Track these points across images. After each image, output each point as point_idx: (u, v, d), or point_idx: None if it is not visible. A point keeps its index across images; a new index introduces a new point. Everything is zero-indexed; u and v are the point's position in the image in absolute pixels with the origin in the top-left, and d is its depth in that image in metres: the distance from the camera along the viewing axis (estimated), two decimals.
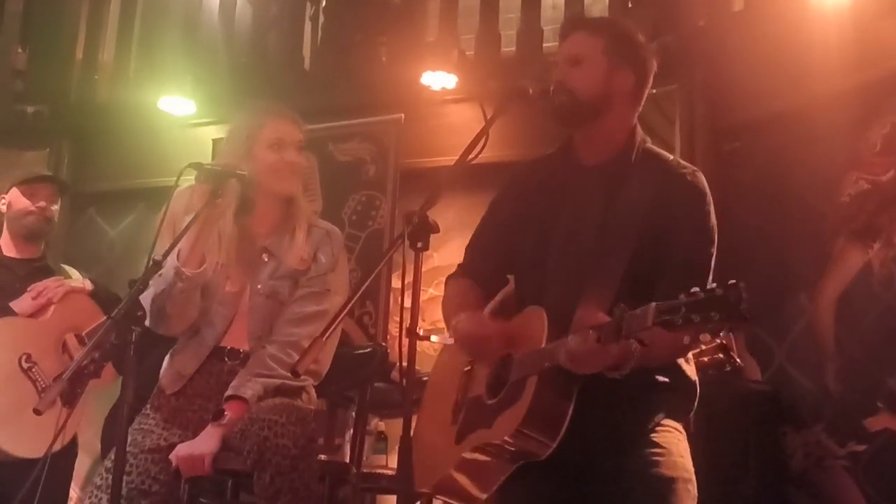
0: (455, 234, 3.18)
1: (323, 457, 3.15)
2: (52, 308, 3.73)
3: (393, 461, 4.40)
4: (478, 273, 2.53)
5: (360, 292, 2.45)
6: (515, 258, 2.48)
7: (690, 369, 2.35)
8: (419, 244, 2.10)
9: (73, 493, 4.24)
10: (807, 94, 4.28)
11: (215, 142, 5.45)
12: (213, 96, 5.74)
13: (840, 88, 4.14)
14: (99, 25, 6.29)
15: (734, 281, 1.84)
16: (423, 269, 2.11)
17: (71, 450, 3.77)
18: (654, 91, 2.46)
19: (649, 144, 2.43)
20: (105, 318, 3.59)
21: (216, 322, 2.95)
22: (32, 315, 3.72)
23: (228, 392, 2.85)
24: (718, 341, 3.67)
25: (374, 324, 4.92)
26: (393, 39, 5.69)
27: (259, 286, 2.97)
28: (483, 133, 2.25)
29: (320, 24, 6.12)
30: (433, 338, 2.14)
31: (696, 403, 2.36)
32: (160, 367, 3.02)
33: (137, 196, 5.92)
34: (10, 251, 3.92)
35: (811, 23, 4.26)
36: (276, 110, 3.06)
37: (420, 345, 2.06)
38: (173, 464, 2.80)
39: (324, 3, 6.13)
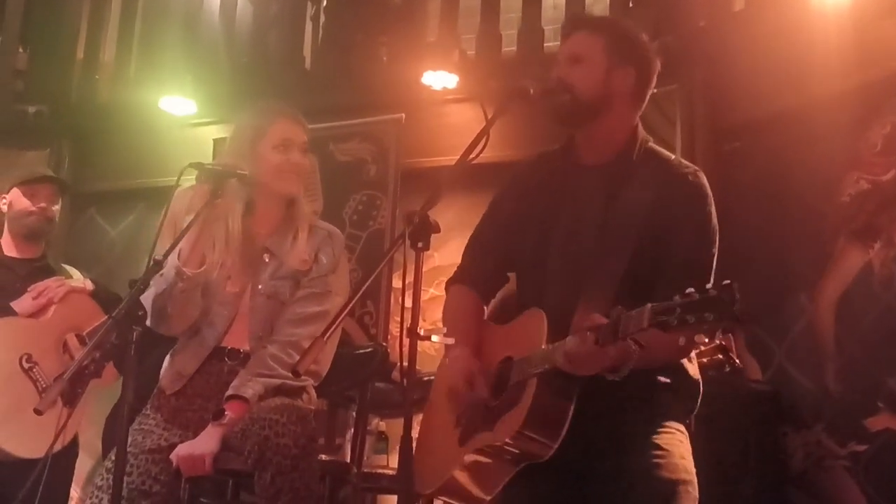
0: (456, 234, 3.18)
1: (323, 457, 3.15)
2: (52, 308, 3.73)
3: (393, 461, 4.40)
4: (477, 274, 2.53)
5: (361, 292, 2.46)
6: (516, 258, 2.48)
7: (693, 368, 2.35)
8: (420, 244, 2.10)
9: (74, 493, 4.25)
10: (807, 93, 4.28)
11: (216, 142, 5.46)
12: (214, 96, 5.74)
13: (840, 88, 4.14)
14: (100, 25, 6.29)
15: (728, 281, 1.84)
16: (423, 269, 2.10)
17: (72, 450, 3.78)
18: (655, 91, 2.45)
19: (651, 144, 2.43)
20: (106, 317, 3.58)
21: (217, 322, 2.95)
22: (33, 315, 3.72)
23: (229, 392, 2.85)
24: (717, 342, 3.67)
25: (375, 324, 4.93)
26: (394, 39, 5.69)
27: (260, 286, 2.98)
28: (484, 133, 2.25)
29: (321, 24, 6.13)
30: (434, 338, 2.13)
31: (698, 403, 2.36)
32: (161, 368, 3.02)
33: (138, 196, 5.92)
34: (10, 251, 3.93)
35: (811, 23, 4.26)
36: (282, 111, 3.06)
37: (421, 345, 2.05)
38: (174, 464, 2.80)
39: (325, 3, 6.13)
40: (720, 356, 3.78)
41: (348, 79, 5.56)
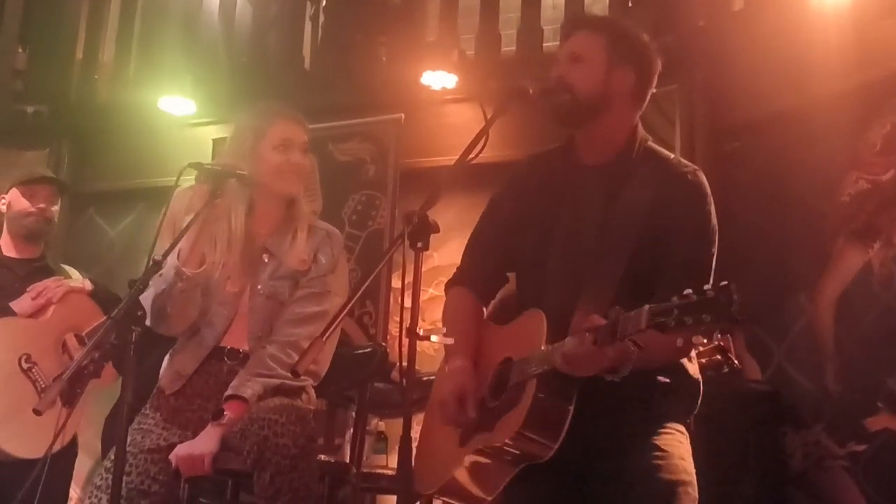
0: (455, 234, 3.18)
1: (323, 457, 3.15)
2: (51, 308, 3.73)
3: (393, 461, 4.40)
4: (477, 275, 2.52)
5: (360, 292, 2.45)
6: (515, 258, 2.48)
7: (693, 368, 2.35)
8: (419, 244, 2.10)
9: (74, 493, 4.24)
10: (807, 93, 4.28)
11: (215, 142, 5.46)
12: (213, 96, 5.74)
13: (840, 88, 4.14)
14: (99, 25, 6.29)
15: (725, 283, 1.83)
16: (423, 269, 2.10)
17: (71, 450, 3.77)
18: (654, 91, 2.45)
19: (650, 143, 2.43)
20: (105, 318, 3.59)
21: (216, 322, 2.95)
22: (32, 315, 3.72)
23: (228, 392, 2.85)
24: (716, 343, 3.67)
25: (374, 324, 4.93)
26: (393, 39, 5.69)
27: (259, 286, 2.97)
28: (483, 133, 2.25)
29: (320, 24, 6.13)
30: (433, 338, 2.13)
31: (699, 402, 2.36)
32: (160, 367, 3.02)
33: (137, 196, 5.92)
34: (9, 251, 3.92)
35: (811, 23, 4.26)
36: (282, 111, 3.06)
37: (420, 345, 2.05)
38: (173, 464, 2.80)
39: (324, 3, 6.13)
40: (718, 357, 3.78)
41: (347, 79, 5.56)
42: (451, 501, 2.44)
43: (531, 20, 5.36)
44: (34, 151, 5.99)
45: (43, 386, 3.59)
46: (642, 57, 2.39)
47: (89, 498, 2.79)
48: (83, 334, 3.71)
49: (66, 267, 4.06)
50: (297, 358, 2.41)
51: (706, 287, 1.84)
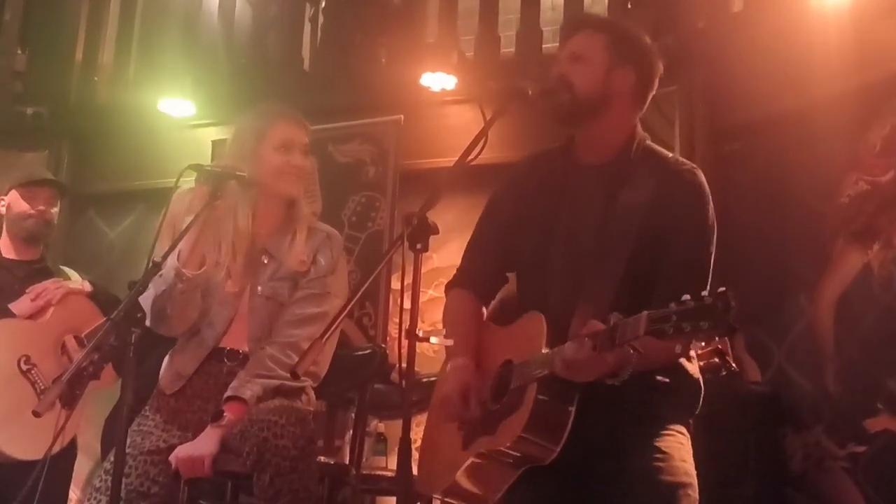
0: (454, 236, 3.18)
1: (322, 458, 3.15)
2: (51, 310, 3.72)
3: (392, 463, 4.39)
4: (477, 276, 2.53)
5: (360, 294, 2.46)
6: (516, 259, 2.48)
7: (693, 368, 2.35)
8: (419, 245, 2.10)
9: (73, 494, 4.24)
10: (806, 95, 4.28)
11: (215, 143, 5.45)
12: (213, 98, 5.74)
13: (840, 90, 4.14)
14: (99, 27, 6.28)
15: (723, 289, 1.83)
16: (422, 271, 2.11)
17: (70, 451, 3.77)
18: (654, 92, 2.45)
19: (649, 142, 2.43)
20: (104, 319, 3.59)
21: (216, 322, 2.95)
22: (31, 317, 3.72)
23: (228, 393, 2.85)
24: (713, 346, 3.67)
25: (374, 325, 4.92)
26: (392, 40, 5.68)
27: (259, 287, 2.97)
28: (482, 134, 2.25)
29: (320, 25, 6.12)
30: (433, 339, 2.14)
31: (700, 402, 2.35)
32: (160, 369, 3.02)
33: (137, 197, 5.91)
34: (9, 253, 3.92)
35: (811, 24, 4.25)
36: (283, 112, 3.06)
37: (419, 346, 2.06)
38: (173, 465, 2.80)
39: (323, 4, 6.13)
40: (716, 360, 3.78)
41: (347, 80, 5.55)
42: (454, 503, 2.44)
43: (530, 22, 5.35)
44: (34, 153, 5.99)
45: (42, 387, 3.59)
46: (643, 57, 2.39)
47: (89, 500, 2.79)
48: (82, 336, 3.71)
49: (66, 268, 4.06)
50: (296, 359, 2.41)
51: (704, 294, 1.84)
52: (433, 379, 2.61)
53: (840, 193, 4.20)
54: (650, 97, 2.43)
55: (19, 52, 6.35)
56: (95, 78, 6.22)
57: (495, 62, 5.37)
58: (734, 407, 3.94)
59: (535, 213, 2.44)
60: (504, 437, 2.21)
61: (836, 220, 4.20)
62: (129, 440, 2.71)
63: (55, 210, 3.98)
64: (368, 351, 3.61)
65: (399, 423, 2.18)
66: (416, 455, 2.22)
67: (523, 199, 2.48)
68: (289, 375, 2.80)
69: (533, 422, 2.15)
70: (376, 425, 4.58)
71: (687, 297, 1.85)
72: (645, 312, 1.91)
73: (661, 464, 2.22)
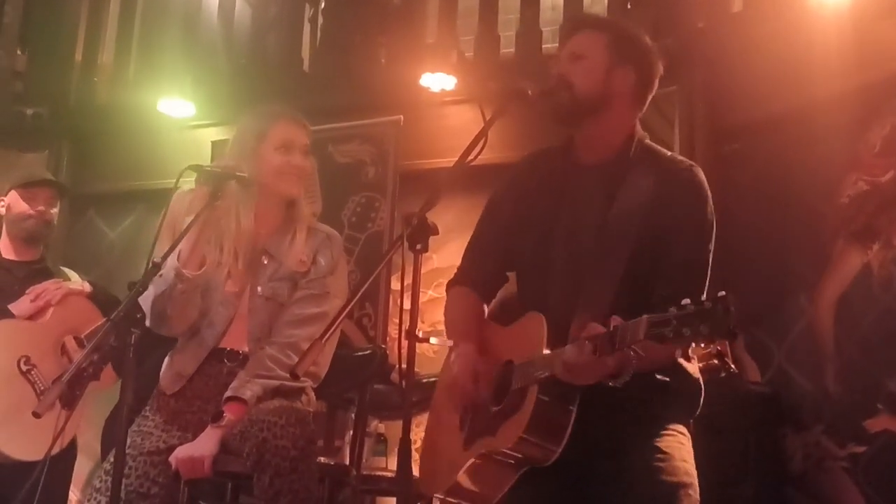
0: (454, 236, 3.18)
1: (322, 459, 3.14)
2: (50, 310, 3.72)
3: (392, 463, 4.39)
4: (478, 276, 2.53)
5: (360, 294, 2.46)
6: (516, 259, 2.48)
7: (693, 368, 2.35)
8: (418, 246, 2.10)
9: (73, 495, 4.24)
10: (806, 95, 4.28)
11: (215, 144, 5.45)
12: (213, 98, 5.74)
13: (840, 90, 4.13)
14: (98, 27, 6.28)
15: (723, 293, 1.84)
16: (422, 271, 2.11)
17: (70, 452, 3.77)
18: (654, 92, 2.45)
19: (647, 141, 2.43)
20: (104, 320, 3.59)
21: (216, 322, 2.95)
22: (31, 317, 3.72)
23: (228, 393, 2.85)
24: (713, 348, 3.68)
25: (374, 325, 4.92)
26: (392, 41, 5.68)
27: (259, 288, 2.97)
28: (482, 134, 2.25)
29: (319, 26, 6.12)
30: (432, 340, 2.14)
31: (700, 402, 2.35)
32: (160, 370, 3.02)
33: (137, 198, 5.91)
34: (8, 254, 3.92)
35: (811, 24, 4.25)
36: (284, 113, 3.07)
37: (419, 346, 2.06)
38: (173, 466, 2.79)
39: (323, 5, 6.12)
40: (715, 361, 3.79)
41: (347, 80, 5.55)
42: (455, 502, 2.44)
43: (530, 22, 5.35)
44: (33, 153, 5.99)
45: (42, 388, 3.59)
46: (643, 58, 2.40)
47: (88, 500, 2.78)
48: (82, 336, 3.71)
49: (65, 269, 4.06)
50: (296, 359, 2.41)
51: (703, 297, 1.85)
52: (433, 379, 2.61)
53: (840, 193, 4.20)
54: (650, 97, 2.43)
55: (19, 52, 6.34)
56: (95, 78, 6.22)
57: (495, 62, 5.37)
58: (734, 407, 3.94)
59: (535, 212, 2.44)
60: (505, 437, 2.21)
61: (836, 220, 4.20)
62: (128, 441, 2.71)
63: (55, 210, 3.98)
64: (368, 351, 3.61)
65: (399, 423, 2.17)
66: (416, 456, 2.22)
67: (523, 199, 2.48)
68: (289, 376, 2.80)
69: (534, 423, 2.15)
70: (376, 426, 4.58)
71: (687, 301, 1.85)
72: (645, 316, 1.92)
73: (661, 464, 2.22)
